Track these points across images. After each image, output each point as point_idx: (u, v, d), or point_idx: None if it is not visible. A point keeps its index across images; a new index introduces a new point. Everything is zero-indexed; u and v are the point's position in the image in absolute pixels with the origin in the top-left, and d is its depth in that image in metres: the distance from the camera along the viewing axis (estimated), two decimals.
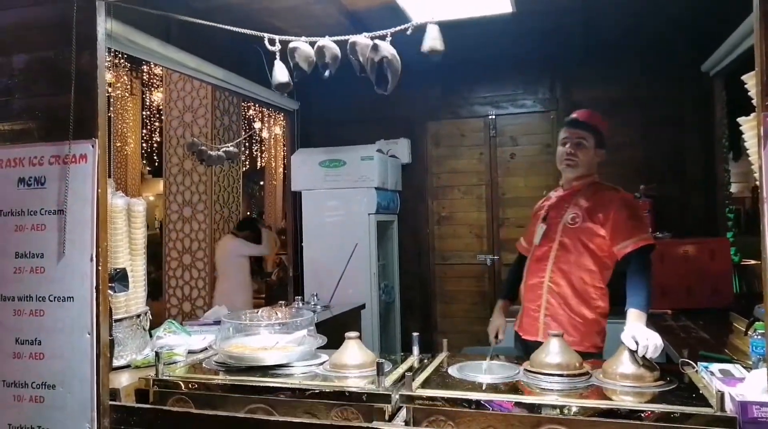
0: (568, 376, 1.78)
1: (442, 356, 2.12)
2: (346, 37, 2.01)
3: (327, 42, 2.02)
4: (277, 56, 2.11)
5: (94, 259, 1.91)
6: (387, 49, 1.94)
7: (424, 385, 1.78)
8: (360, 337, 2.00)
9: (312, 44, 2.04)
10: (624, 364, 1.79)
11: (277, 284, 6.48)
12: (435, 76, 4.50)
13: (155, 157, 10.16)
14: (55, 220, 1.96)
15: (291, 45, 2.03)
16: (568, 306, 2.37)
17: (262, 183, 15.13)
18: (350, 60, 2.01)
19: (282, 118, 10.19)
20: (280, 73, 2.13)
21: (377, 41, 1.95)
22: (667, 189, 4.22)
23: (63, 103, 2.01)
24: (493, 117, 4.76)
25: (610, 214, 2.31)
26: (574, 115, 2.54)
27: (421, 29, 1.97)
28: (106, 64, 2.07)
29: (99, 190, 1.95)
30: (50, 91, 2.06)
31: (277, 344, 2.01)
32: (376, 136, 4.75)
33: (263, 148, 11.60)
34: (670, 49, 4.23)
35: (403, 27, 1.96)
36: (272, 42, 2.08)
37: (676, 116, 4.29)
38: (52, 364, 1.87)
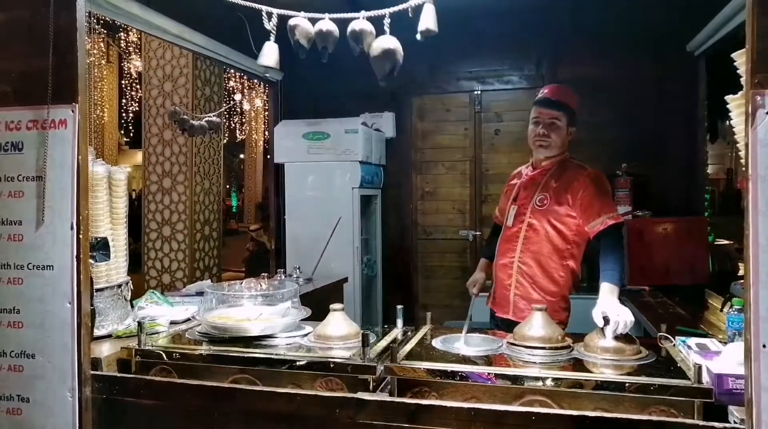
0: (550, 349, 1.81)
1: (425, 329, 2.14)
2: (346, 15, 1.97)
3: (327, 24, 1.99)
4: (272, 34, 2.06)
5: (75, 227, 1.86)
6: (390, 44, 1.92)
7: (408, 356, 1.79)
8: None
9: (311, 20, 2.00)
10: (604, 338, 1.82)
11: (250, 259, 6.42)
12: (421, 50, 4.40)
13: (131, 128, 9.96)
14: (33, 186, 1.91)
15: (291, 22, 1.99)
16: (537, 285, 2.42)
17: (242, 156, 14.98)
18: (350, 44, 1.98)
19: (263, 91, 10.04)
20: (269, 54, 2.09)
21: (386, 38, 1.92)
22: (648, 168, 4.27)
23: (41, 66, 1.94)
24: (479, 92, 4.74)
25: (578, 194, 2.33)
26: (545, 93, 2.50)
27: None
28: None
29: (80, 157, 1.89)
30: (27, 53, 1.98)
31: (261, 315, 2.00)
32: (361, 109, 4.70)
33: (244, 120, 11.44)
34: (656, 28, 4.23)
35: (402, 7, 1.93)
36: (269, 16, 2.03)
37: (659, 96, 4.32)
38: (32, 333, 1.84)
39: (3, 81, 2.01)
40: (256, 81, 7.61)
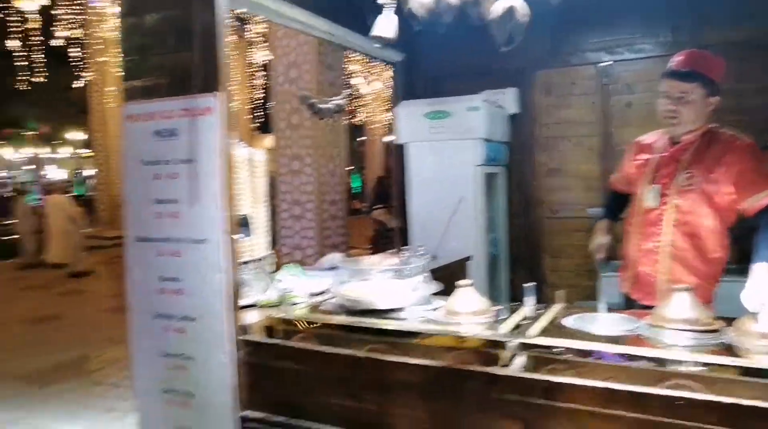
0: (696, 331, 1.69)
1: (557, 307, 2.09)
2: None
3: None
4: (386, 7, 2.08)
5: (222, 205, 2.04)
6: (510, 2, 1.86)
7: (541, 334, 1.77)
8: None
9: None
10: (760, 322, 1.67)
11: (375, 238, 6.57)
12: (544, 22, 4.15)
13: (259, 114, 10.60)
14: (186, 168, 2.11)
15: None
16: (692, 269, 2.25)
17: (362, 138, 15.38)
18: (468, 11, 1.94)
19: (382, 73, 10.20)
20: (385, 26, 2.11)
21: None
22: None
23: (189, 59, 2.13)
24: (607, 64, 4.46)
25: (734, 168, 2.12)
26: (674, 63, 2.26)
27: None
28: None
29: (224, 141, 2.06)
30: (178, 48, 2.19)
31: (393, 289, 2.06)
32: (482, 86, 4.60)
33: (364, 102, 11.72)
34: None
35: None
36: None
37: None
38: (191, 300, 2.05)
39: (159, 75, 2.24)
40: (375, 63, 7.75)
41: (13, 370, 4.76)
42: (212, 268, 2.02)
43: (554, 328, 1.85)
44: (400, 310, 2.03)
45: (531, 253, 4.71)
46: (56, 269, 9.54)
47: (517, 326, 1.82)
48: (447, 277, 3.22)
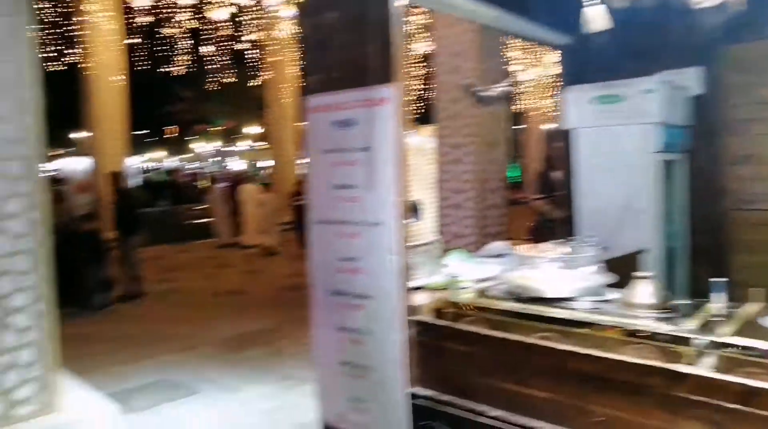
0: None
1: (752, 306, 1.90)
2: None
3: None
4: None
5: (395, 190, 2.13)
6: None
7: (735, 333, 1.62)
8: None
9: None
10: None
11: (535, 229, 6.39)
12: None
13: (418, 103, 10.80)
14: (363, 156, 2.24)
15: None
16: None
17: (520, 125, 14.97)
18: None
19: (541, 58, 9.84)
20: (597, 19, 2.04)
21: None
22: None
23: (366, 53, 2.25)
24: None
25: None
26: None
27: None
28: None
29: (399, 130, 2.15)
30: (354, 43, 2.32)
31: (563, 278, 2.02)
32: (659, 66, 4.24)
33: (522, 89, 11.40)
34: None
35: None
36: None
37: None
38: (367, 279, 2.19)
39: (338, 68, 2.39)
40: (535, 49, 7.50)
41: (209, 338, 5.44)
42: (386, 249, 2.13)
43: (750, 328, 1.68)
44: (569, 299, 1.98)
45: (715, 247, 4.26)
46: (246, 249, 10.72)
47: (705, 323, 1.68)
48: (619, 269, 3.05)
